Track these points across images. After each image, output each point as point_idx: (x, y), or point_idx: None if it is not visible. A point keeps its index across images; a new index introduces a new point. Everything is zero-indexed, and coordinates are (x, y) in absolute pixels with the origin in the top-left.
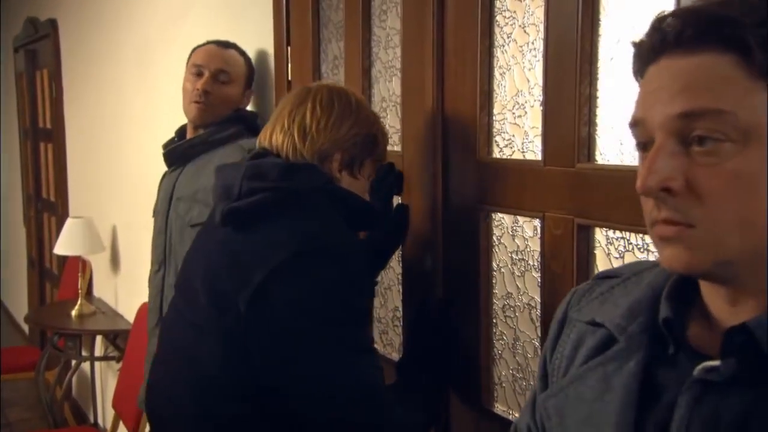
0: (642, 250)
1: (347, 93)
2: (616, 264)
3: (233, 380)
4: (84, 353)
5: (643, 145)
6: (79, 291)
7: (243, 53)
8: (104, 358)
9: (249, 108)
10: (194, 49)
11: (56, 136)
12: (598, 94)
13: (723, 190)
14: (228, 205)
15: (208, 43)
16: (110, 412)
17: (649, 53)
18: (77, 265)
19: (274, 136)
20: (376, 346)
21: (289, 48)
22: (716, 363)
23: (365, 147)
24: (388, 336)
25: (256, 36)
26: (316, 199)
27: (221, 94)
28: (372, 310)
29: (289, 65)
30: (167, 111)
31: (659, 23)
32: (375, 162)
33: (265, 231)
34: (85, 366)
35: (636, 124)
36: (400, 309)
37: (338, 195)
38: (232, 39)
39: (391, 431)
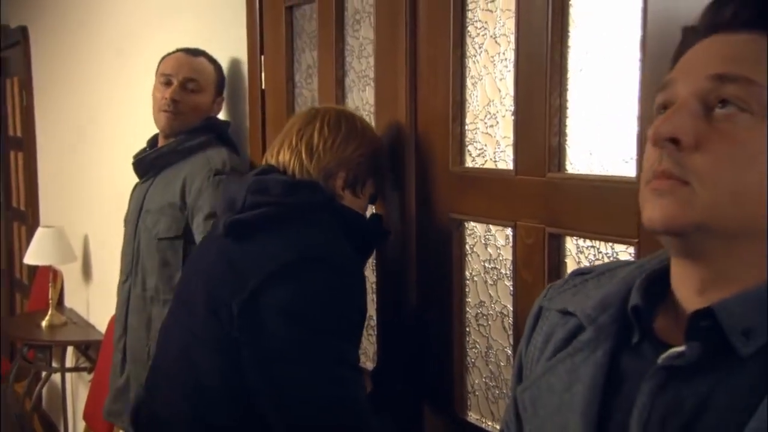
0: (611, 258)
1: (354, 116)
2: None
3: (227, 387)
4: (54, 364)
5: (664, 107)
6: (50, 301)
7: (213, 61)
8: (75, 369)
9: (221, 116)
10: (163, 58)
11: (27, 144)
12: (568, 104)
13: (727, 155)
14: (231, 217)
15: (177, 51)
16: (81, 425)
17: (698, 33)
18: (48, 275)
19: (281, 153)
20: None
21: (262, 57)
22: (681, 348)
23: (369, 167)
24: (362, 345)
25: (229, 44)
26: (316, 214)
27: (190, 103)
28: (363, 325)
29: (263, 74)
30: (140, 119)
31: (715, 6)
32: (378, 183)
33: (264, 241)
34: (56, 377)
35: (665, 86)
36: (375, 318)
37: (339, 212)
38: (205, 47)
39: None
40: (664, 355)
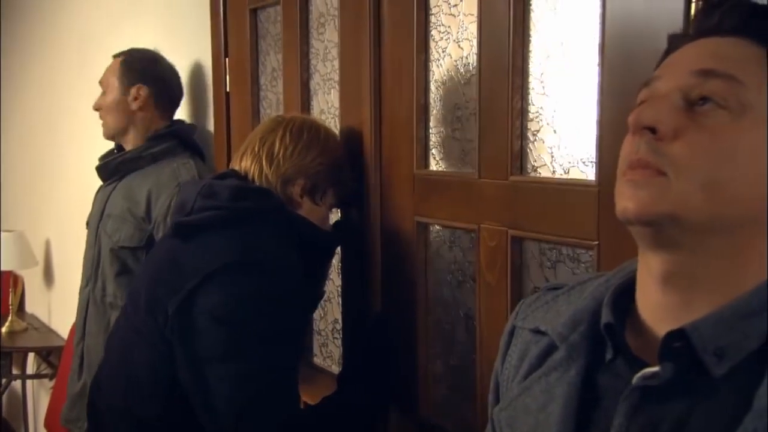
0: (573, 260)
1: (318, 125)
2: (549, 274)
3: (157, 382)
4: (15, 371)
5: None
6: (10, 307)
7: (129, 54)
8: (36, 376)
9: (185, 118)
10: None
11: None
12: (530, 108)
13: (703, 148)
14: (178, 218)
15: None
16: None
17: (685, 38)
18: (8, 280)
19: (244, 159)
20: (315, 358)
21: (227, 59)
22: (656, 369)
23: (329, 176)
24: (327, 348)
25: (193, 47)
26: (263, 219)
27: (102, 105)
28: (304, 331)
29: (227, 77)
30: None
31: (703, 13)
32: (339, 192)
33: (206, 243)
34: (16, 384)
35: (648, 83)
36: (340, 321)
37: (288, 218)
38: (169, 50)
39: None
40: (638, 375)
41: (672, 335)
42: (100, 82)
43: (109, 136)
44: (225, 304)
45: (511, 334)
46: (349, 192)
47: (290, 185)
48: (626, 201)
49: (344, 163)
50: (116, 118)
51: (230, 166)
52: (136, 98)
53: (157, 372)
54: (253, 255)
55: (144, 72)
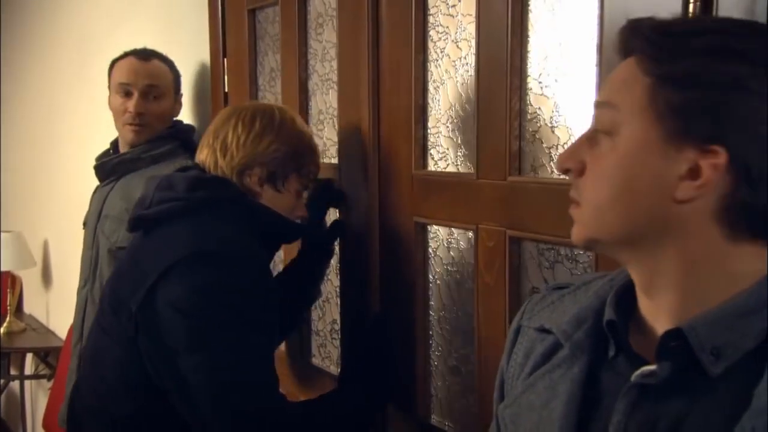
0: (571, 260)
1: (273, 111)
2: (548, 274)
3: (127, 381)
4: (13, 372)
5: None
6: (9, 307)
7: (165, 59)
8: (35, 376)
9: (183, 118)
10: (114, 63)
11: None
12: (528, 108)
13: (592, 175)
14: (136, 212)
15: (127, 55)
16: None
17: (621, 55)
18: (6, 281)
19: (200, 152)
20: (314, 359)
21: (225, 60)
22: (653, 367)
23: (288, 162)
24: (326, 349)
25: (192, 47)
26: (221, 209)
27: (155, 112)
28: (275, 320)
29: (226, 77)
30: (101, 122)
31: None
32: (303, 177)
33: (164, 237)
34: (14, 385)
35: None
36: (338, 322)
37: (246, 207)
38: (168, 50)
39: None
40: (636, 373)
41: (669, 334)
42: (152, 86)
43: (141, 143)
44: (185, 296)
45: (517, 332)
46: (314, 176)
47: (246, 175)
48: (571, 236)
49: (306, 147)
50: (162, 125)
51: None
52: (179, 106)
53: (126, 371)
54: (209, 245)
55: (180, 79)
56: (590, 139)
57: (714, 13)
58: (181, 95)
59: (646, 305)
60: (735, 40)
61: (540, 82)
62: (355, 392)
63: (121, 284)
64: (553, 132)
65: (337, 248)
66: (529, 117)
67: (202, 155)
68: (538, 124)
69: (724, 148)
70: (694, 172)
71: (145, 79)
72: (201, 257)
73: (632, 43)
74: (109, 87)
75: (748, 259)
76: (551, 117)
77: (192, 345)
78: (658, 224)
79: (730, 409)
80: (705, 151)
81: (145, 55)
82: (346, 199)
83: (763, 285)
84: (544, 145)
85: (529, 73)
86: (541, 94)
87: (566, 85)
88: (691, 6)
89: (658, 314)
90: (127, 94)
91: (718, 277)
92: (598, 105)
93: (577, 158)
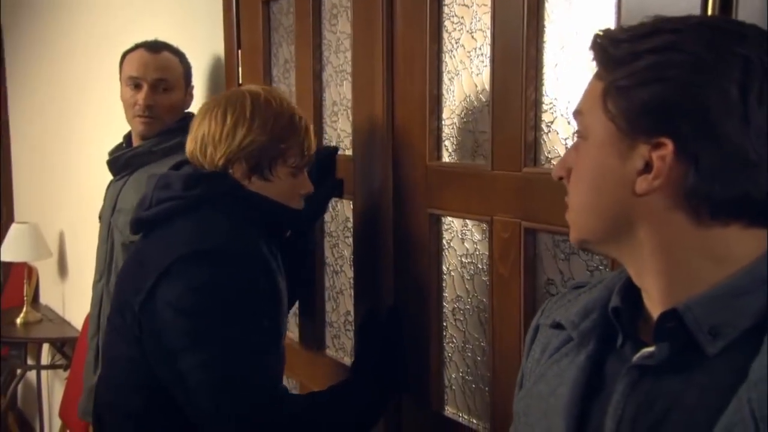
0: (587, 252)
1: (243, 101)
2: (563, 266)
3: (135, 378)
4: (30, 362)
5: None
6: (25, 298)
7: (176, 52)
8: (51, 366)
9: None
10: (124, 55)
11: (0, 139)
12: (544, 99)
13: (573, 180)
14: (138, 214)
15: (138, 47)
16: (57, 422)
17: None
18: (23, 272)
19: (188, 147)
20: (328, 350)
21: (239, 52)
22: (652, 349)
23: (267, 151)
24: (339, 340)
25: (206, 39)
26: (218, 204)
27: (165, 104)
28: (278, 313)
29: (240, 69)
30: (115, 114)
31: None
32: (291, 159)
33: (163, 236)
34: (31, 375)
35: None
36: (352, 313)
37: (245, 199)
38: (182, 43)
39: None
40: (637, 355)
41: (665, 315)
42: (161, 79)
43: (152, 135)
44: (184, 296)
45: (536, 331)
46: (307, 152)
47: (232, 170)
48: None
49: (285, 129)
50: (173, 117)
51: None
52: (190, 98)
53: (136, 369)
54: (208, 244)
55: (191, 71)
56: (575, 146)
57: (734, 10)
58: (193, 87)
59: (644, 295)
60: (678, 36)
61: (556, 72)
62: (367, 383)
63: (126, 285)
64: (569, 123)
65: (351, 240)
66: (544, 107)
67: (188, 150)
68: (554, 115)
69: (670, 140)
70: (648, 166)
71: (154, 72)
72: (200, 256)
73: (594, 54)
74: (120, 79)
75: (733, 242)
76: (567, 107)
77: (190, 344)
78: (628, 219)
79: (727, 386)
80: (654, 144)
81: (155, 47)
82: (357, 186)
83: (756, 265)
84: (560, 136)
85: (545, 63)
86: (557, 84)
87: (583, 76)
88: (710, 3)
89: (652, 302)
90: (137, 87)
91: (699, 261)
92: (575, 113)
93: (566, 166)
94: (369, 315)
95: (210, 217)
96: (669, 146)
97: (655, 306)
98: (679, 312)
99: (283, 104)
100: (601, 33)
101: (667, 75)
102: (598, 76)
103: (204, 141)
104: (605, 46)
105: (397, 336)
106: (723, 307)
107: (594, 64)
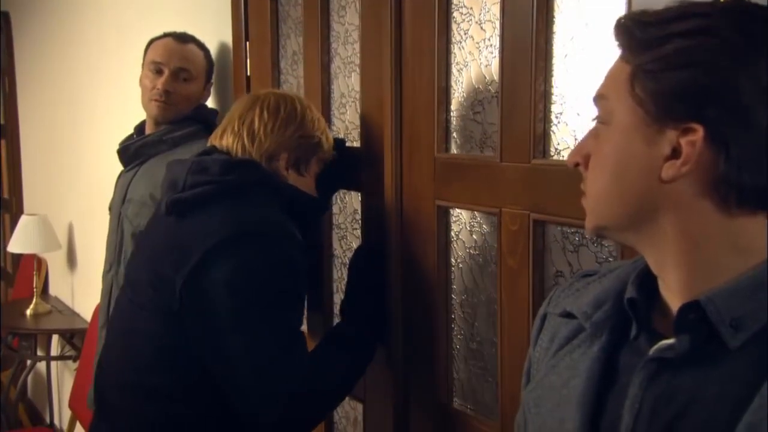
0: (596, 244)
1: (293, 99)
2: (572, 258)
3: (162, 352)
4: (40, 353)
5: None
6: (35, 290)
7: (202, 46)
8: (60, 357)
9: (209, 102)
10: (151, 42)
11: (10, 131)
12: (553, 90)
13: (593, 166)
14: (172, 196)
15: (166, 36)
16: (67, 413)
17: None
18: (32, 264)
19: (224, 137)
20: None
21: (247, 43)
22: (672, 341)
23: (309, 148)
24: None
25: (214, 31)
26: (254, 191)
27: (183, 93)
28: (304, 293)
29: (248, 60)
30: (125, 106)
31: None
32: (320, 161)
33: (203, 218)
34: (41, 366)
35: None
36: None
37: (278, 187)
38: (193, 33)
39: (316, 404)
40: (655, 347)
41: (687, 307)
42: (183, 69)
43: (164, 121)
44: (229, 277)
45: (543, 319)
46: (329, 159)
47: (275, 160)
48: None
49: (323, 134)
50: (187, 108)
51: (210, 143)
52: (208, 93)
53: (164, 343)
54: (248, 226)
55: (212, 68)
56: (595, 132)
57: None
58: (212, 84)
59: (662, 286)
60: (709, 20)
61: (566, 64)
62: (356, 318)
63: (162, 265)
64: (578, 114)
65: (359, 232)
66: (554, 99)
67: (227, 141)
68: (563, 107)
69: (700, 125)
70: (676, 152)
71: (178, 60)
72: (244, 236)
73: (618, 37)
74: (143, 65)
75: (757, 234)
76: (577, 99)
77: (235, 324)
78: (652, 206)
79: (748, 380)
80: (683, 129)
81: (183, 38)
82: (365, 178)
83: None
84: (570, 128)
85: (554, 54)
86: (567, 76)
87: (593, 67)
88: None
89: (671, 293)
90: (159, 72)
91: (723, 252)
92: (596, 98)
93: (583, 152)
94: (357, 254)
95: (248, 201)
96: (699, 132)
97: (673, 296)
98: (701, 304)
99: (317, 112)
100: (629, 14)
101: (699, 59)
102: (623, 59)
103: (253, 129)
104: (631, 29)
105: (405, 327)
106: (745, 300)
107: (617, 46)
